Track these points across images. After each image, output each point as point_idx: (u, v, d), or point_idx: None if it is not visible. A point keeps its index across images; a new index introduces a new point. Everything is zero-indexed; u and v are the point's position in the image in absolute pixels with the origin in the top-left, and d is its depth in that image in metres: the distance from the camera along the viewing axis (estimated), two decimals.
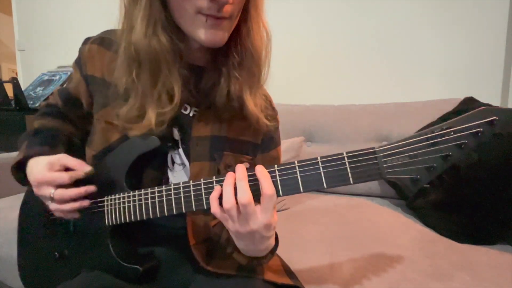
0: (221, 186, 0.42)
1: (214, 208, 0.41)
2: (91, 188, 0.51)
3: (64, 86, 0.63)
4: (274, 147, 0.62)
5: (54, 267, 0.58)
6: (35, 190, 0.50)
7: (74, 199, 0.50)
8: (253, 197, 0.40)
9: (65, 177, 0.48)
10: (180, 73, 0.49)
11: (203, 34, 0.45)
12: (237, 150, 0.57)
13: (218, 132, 0.55)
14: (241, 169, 0.41)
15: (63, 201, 0.49)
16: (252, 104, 0.53)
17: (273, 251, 0.49)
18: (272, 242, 0.46)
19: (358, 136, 1.32)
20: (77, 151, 0.62)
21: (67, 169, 0.51)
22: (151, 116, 0.48)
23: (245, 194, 0.39)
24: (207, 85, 0.53)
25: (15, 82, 1.77)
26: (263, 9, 0.51)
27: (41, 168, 0.50)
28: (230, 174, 0.41)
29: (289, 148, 1.32)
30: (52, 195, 0.48)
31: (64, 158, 0.51)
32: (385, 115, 1.31)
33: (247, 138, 0.58)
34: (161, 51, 0.46)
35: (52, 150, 0.55)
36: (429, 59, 1.45)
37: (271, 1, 0.51)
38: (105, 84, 0.54)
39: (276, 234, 0.50)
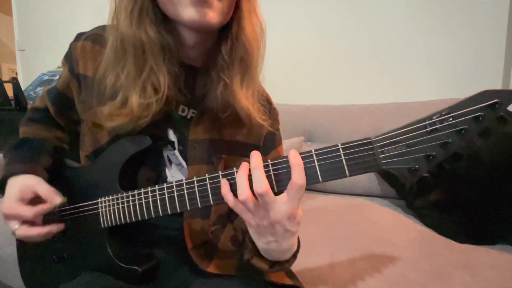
0: (227, 179, 0.40)
1: (230, 202, 0.39)
2: (54, 228, 0.51)
3: (53, 85, 0.60)
4: (275, 148, 0.61)
5: (53, 271, 0.57)
6: (3, 218, 0.50)
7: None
8: (276, 187, 0.38)
9: (28, 214, 0.48)
10: (169, 68, 0.47)
11: (189, 12, 0.42)
12: (236, 153, 0.55)
13: (216, 135, 0.54)
14: (256, 156, 0.38)
15: (26, 237, 0.49)
16: (244, 98, 0.49)
17: (295, 255, 0.45)
18: (295, 242, 0.43)
19: (358, 136, 1.28)
20: (65, 156, 0.62)
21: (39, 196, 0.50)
22: (134, 103, 0.45)
23: (261, 183, 0.36)
24: (200, 89, 0.52)
25: (15, 82, 1.76)
26: None
27: (12, 195, 0.49)
28: (244, 165, 0.39)
29: (289, 148, 1.32)
30: (15, 231, 0.49)
31: (36, 186, 0.50)
32: (385, 115, 1.31)
33: (247, 140, 0.57)
34: (147, 42, 0.45)
35: (34, 165, 0.54)
36: (429, 59, 1.45)
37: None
38: (95, 84, 0.52)
39: (298, 238, 0.46)
